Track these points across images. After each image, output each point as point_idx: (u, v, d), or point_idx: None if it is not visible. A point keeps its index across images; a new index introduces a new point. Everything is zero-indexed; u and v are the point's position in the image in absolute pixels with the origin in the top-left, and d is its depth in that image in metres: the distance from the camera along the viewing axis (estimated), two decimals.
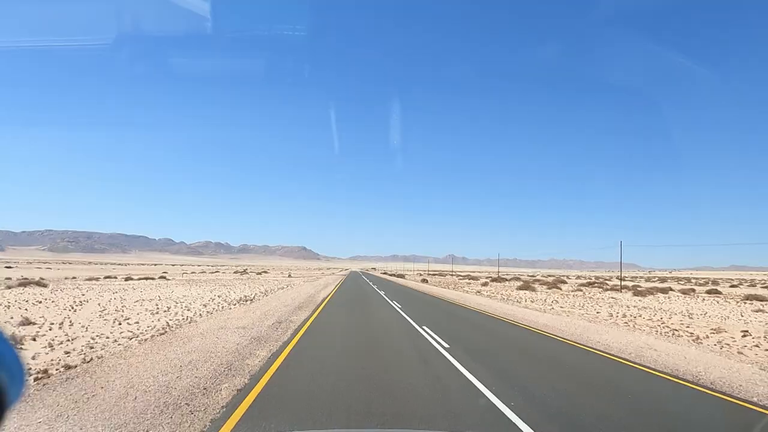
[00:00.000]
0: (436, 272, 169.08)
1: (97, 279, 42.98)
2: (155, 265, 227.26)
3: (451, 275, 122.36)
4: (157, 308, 18.90)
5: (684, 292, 42.77)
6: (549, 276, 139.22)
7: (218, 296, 26.34)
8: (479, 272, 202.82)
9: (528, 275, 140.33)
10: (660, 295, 38.21)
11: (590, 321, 17.48)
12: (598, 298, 33.09)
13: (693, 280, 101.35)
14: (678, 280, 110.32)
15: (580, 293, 40.36)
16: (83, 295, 25.69)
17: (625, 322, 17.45)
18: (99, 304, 20.74)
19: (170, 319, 14.88)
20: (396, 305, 21.80)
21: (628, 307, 25.63)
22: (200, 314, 16.30)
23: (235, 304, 20.18)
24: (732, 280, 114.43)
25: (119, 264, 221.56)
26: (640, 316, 20.53)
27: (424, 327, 13.85)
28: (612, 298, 34.41)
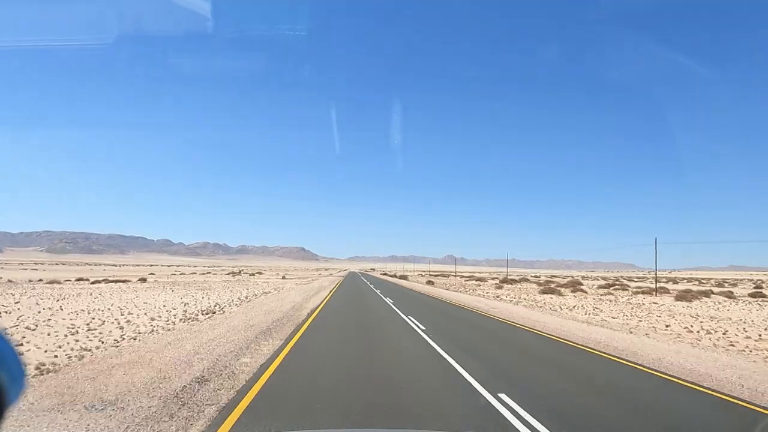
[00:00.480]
0: (438, 273, 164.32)
1: (59, 282, 37.94)
2: (151, 266, 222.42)
3: (454, 276, 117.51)
4: (88, 324, 14.10)
5: (727, 295, 37.93)
6: (553, 276, 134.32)
7: (184, 304, 21.48)
8: (480, 273, 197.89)
9: (532, 276, 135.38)
10: (705, 299, 33.36)
11: (697, 347, 12.33)
12: (638, 304, 28.22)
13: (704, 281, 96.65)
14: (689, 280, 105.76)
15: (612, 297, 35.46)
16: (16, 303, 20.82)
17: (730, 344, 12.58)
18: (19, 317, 15.99)
19: (76, 346, 10.07)
20: (416, 324, 14.84)
21: (692, 317, 20.75)
22: (119, 339, 11.32)
23: (187, 320, 15.17)
24: (741, 280, 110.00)
25: (116, 265, 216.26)
26: (726, 331, 15.67)
27: (501, 396, 6.50)
28: (654, 303, 29.54)
